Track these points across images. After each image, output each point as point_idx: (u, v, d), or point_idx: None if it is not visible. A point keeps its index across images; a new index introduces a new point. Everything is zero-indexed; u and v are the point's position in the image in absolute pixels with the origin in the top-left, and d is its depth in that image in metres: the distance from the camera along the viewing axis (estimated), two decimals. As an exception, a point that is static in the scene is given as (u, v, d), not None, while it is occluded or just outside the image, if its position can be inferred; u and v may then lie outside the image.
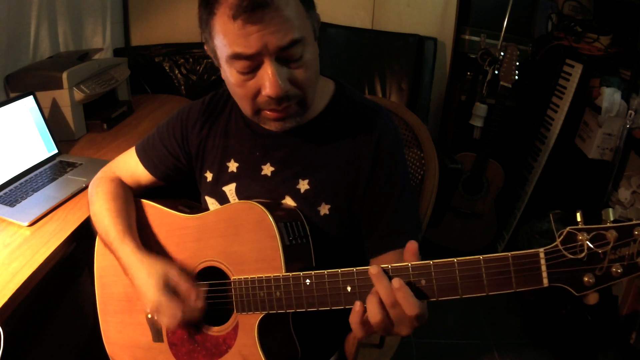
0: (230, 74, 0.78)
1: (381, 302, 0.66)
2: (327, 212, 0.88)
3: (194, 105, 1.00)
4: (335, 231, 0.90)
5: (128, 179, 1.04)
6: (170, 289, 0.84)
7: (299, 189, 0.89)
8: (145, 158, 1.02)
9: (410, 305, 0.64)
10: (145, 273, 0.86)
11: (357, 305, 0.68)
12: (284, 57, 0.75)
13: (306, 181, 0.89)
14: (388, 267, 0.68)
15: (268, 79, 0.74)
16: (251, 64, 0.75)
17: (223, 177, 0.96)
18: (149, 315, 0.95)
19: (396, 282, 0.65)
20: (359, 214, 0.90)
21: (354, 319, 0.69)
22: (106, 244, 0.94)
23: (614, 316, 1.89)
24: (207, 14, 0.75)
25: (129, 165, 1.04)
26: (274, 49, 0.72)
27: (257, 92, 0.77)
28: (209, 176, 0.98)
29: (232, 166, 0.95)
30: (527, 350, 1.96)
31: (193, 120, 0.98)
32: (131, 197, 1.01)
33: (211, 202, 0.98)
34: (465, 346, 1.98)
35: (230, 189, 0.95)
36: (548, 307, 1.96)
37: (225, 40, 0.74)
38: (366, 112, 0.91)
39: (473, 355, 1.93)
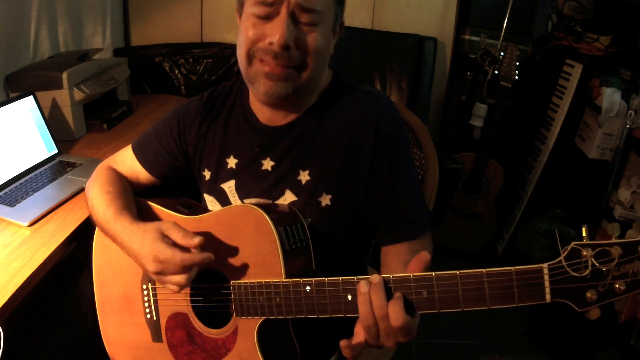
0: (245, 20, 0.82)
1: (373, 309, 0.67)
2: (329, 203, 0.87)
3: (191, 102, 0.99)
4: (337, 224, 0.89)
5: (127, 175, 1.03)
6: (167, 239, 0.81)
7: (300, 181, 0.88)
8: (142, 156, 1.01)
9: (397, 316, 0.65)
10: (140, 236, 0.83)
11: (362, 287, 0.68)
12: (299, 18, 0.79)
13: (307, 172, 0.88)
14: (390, 277, 0.67)
15: (278, 26, 0.78)
16: (270, 11, 0.79)
17: (221, 174, 0.95)
18: (145, 291, 0.94)
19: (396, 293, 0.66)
20: (363, 205, 0.89)
21: (360, 299, 0.68)
22: (103, 228, 0.92)
23: (614, 317, 1.89)
24: None
25: (127, 163, 1.03)
26: (295, 2, 0.77)
27: (261, 38, 0.80)
28: (207, 174, 0.97)
29: (231, 162, 0.94)
30: (527, 350, 1.95)
31: (191, 117, 0.97)
32: (129, 186, 1.00)
33: (210, 200, 0.97)
34: (465, 346, 1.97)
35: (229, 186, 0.94)
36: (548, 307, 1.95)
37: None
38: (365, 99, 0.90)
39: (473, 355, 1.93)
